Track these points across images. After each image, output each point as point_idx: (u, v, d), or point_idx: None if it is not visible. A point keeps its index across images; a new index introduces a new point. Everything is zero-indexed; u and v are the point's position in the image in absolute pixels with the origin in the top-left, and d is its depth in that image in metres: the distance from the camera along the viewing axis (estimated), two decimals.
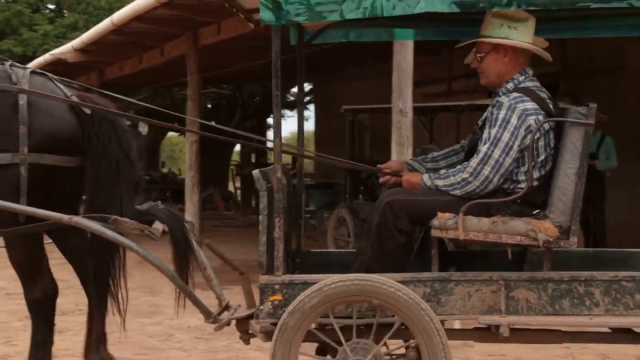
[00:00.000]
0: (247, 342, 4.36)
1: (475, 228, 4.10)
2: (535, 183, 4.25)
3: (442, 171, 4.39)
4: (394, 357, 4.21)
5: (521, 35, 4.31)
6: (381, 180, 4.63)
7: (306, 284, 4.04)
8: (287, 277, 4.13)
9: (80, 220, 4.49)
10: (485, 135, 4.26)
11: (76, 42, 13.30)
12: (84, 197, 4.97)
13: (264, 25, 4.19)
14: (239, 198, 21.73)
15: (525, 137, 4.18)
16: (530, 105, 4.24)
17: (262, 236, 4.13)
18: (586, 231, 10.56)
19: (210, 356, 6.27)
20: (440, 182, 4.28)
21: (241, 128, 23.01)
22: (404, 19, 4.56)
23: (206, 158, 13.31)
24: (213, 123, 21.98)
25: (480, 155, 4.22)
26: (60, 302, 8.42)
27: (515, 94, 4.27)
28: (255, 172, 4.20)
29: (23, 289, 4.91)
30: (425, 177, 4.36)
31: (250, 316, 4.27)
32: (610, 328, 4.24)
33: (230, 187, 22.69)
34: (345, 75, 18.60)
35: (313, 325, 4.07)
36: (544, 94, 4.34)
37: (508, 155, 4.19)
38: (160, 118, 21.91)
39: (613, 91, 12.12)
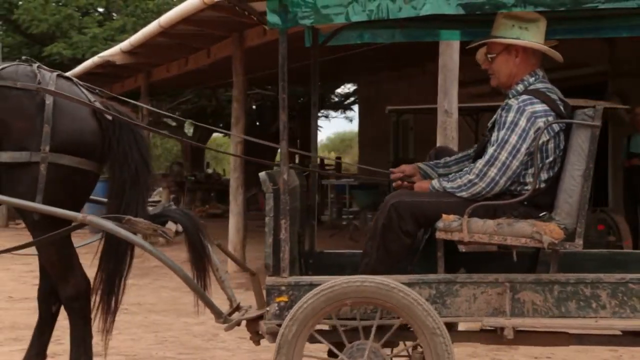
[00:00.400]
0: (257, 342, 4.39)
1: (480, 230, 4.10)
2: (543, 185, 4.25)
3: (451, 175, 4.40)
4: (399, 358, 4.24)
5: (532, 36, 4.31)
6: (394, 184, 4.64)
7: (312, 286, 4.06)
8: (294, 279, 4.16)
9: (93, 219, 4.57)
10: (493, 137, 4.25)
11: (124, 44, 13.44)
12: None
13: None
14: None
15: (534, 139, 4.16)
16: (540, 107, 4.22)
17: (268, 238, 4.16)
18: (635, 232, 10.45)
19: (254, 356, 6.28)
20: (447, 184, 4.29)
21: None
22: (420, 20, 4.59)
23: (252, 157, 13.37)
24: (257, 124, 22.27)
25: (487, 157, 4.22)
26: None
27: (524, 96, 4.26)
28: (262, 174, 4.25)
29: (57, 287, 4.97)
30: (435, 181, 4.38)
31: (261, 317, 4.30)
32: (620, 331, 4.23)
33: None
34: (389, 75, 18.58)
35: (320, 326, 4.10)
36: (554, 95, 4.32)
37: (515, 158, 4.18)
38: (205, 120, 22.11)
39: None
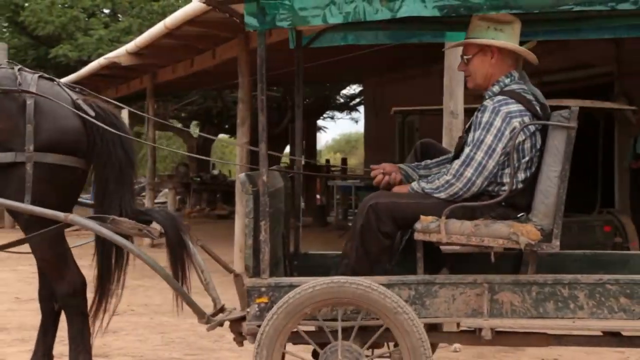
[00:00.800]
0: (240, 343, 4.40)
1: (458, 231, 4.11)
2: (520, 185, 4.26)
3: (430, 176, 4.42)
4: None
5: (507, 38, 4.32)
6: (375, 181, 4.64)
7: (292, 287, 4.08)
8: (274, 280, 4.17)
9: (76, 218, 4.59)
10: (469, 138, 4.27)
11: (130, 45, 13.45)
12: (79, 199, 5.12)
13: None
14: None
15: (510, 139, 4.18)
16: (515, 107, 4.24)
17: (248, 239, 4.18)
18: None
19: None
20: (426, 186, 4.31)
21: (291, 130, 23.17)
22: (402, 21, 4.60)
23: (256, 160, 13.40)
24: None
25: (463, 158, 4.24)
26: (113, 302, 8.62)
27: (499, 97, 4.29)
28: (242, 176, 4.27)
29: (53, 285, 5.00)
30: (414, 184, 4.40)
31: (243, 318, 4.29)
32: (601, 332, 4.24)
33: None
34: (395, 76, 18.58)
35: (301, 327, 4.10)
36: (530, 96, 4.33)
37: (491, 158, 4.20)
38: (210, 121, 22.14)
39: None
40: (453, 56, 7.17)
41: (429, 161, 4.74)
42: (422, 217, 4.15)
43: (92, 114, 4.90)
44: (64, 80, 17.30)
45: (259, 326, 4.08)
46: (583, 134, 12.26)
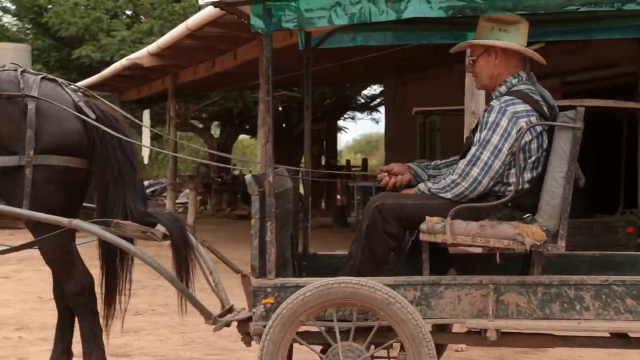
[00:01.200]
0: (248, 344, 4.41)
1: (463, 232, 4.11)
2: (527, 186, 4.25)
3: (437, 177, 4.43)
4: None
5: (511, 38, 4.32)
6: (382, 183, 4.65)
7: (298, 287, 4.09)
8: (280, 281, 4.19)
9: (80, 223, 4.62)
10: (476, 138, 4.28)
11: (152, 46, 13.52)
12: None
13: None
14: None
15: (516, 139, 4.17)
16: (522, 107, 4.24)
17: (254, 240, 4.20)
18: None
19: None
20: (433, 186, 4.32)
21: (311, 130, 23.21)
22: (411, 22, 4.62)
23: (277, 161, 13.43)
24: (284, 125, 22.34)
25: (469, 157, 4.24)
26: (134, 302, 8.61)
27: (506, 97, 4.28)
28: (248, 177, 4.29)
29: (62, 283, 5.04)
30: (421, 185, 4.41)
31: (250, 318, 4.30)
32: (609, 333, 4.22)
33: (300, 189, 22.81)
34: (415, 76, 18.56)
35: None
36: (537, 96, 4.33)
37: (497, 158, 4.20)
38: (231, 122, 22.12)
39: None
40: None
41: (438, 161, 4.74)
42: (427, 218, 4.16)
43: (93, 116, 4.91)
44: (86, 81, 17.43)
45: (265, 326, 4.10)
46: (606, 134, 12.24)
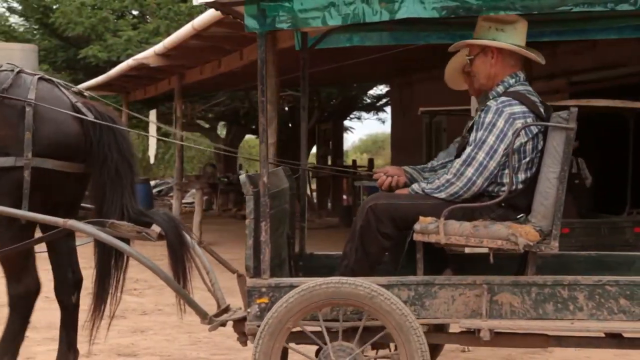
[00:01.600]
0: (244, 343, 4.42)
1: (457, 232, 4.11)
2: (520, 186, 4.26)
3: (431, 177, 4.43)
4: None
5: (508, 37, 4.33)
6: (377, 184, 4.66)
7: (292, 287, 4.10)
8: (274, 280, 4.19)
9: (75, 223, 4.62)
10: (471, 138, 4.28)
11: (158, 47, 13.53)
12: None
13: None
14: (315, 200, 21.90)
15: (512, 140, 4.17)
16: (518, 108, 4.24)
17: (248, 239, 4.20)
18: None
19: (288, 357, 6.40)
20: (427, 186, 4.32)
21: (318, 130, 23.19)
22: (407, 22, 4.63)
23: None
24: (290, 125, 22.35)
25: (464, 157, 4.25)
26: (141, 302, 8.63)
27: (503, 98, 4.28)
28: (242, 177, 4.29)
29: (7, 283, 5.03)
30: (415, 185, 4.41)
31: (246, 318, 4.29)
32: (604, 333, 4.22)
33: (306, 189, 22.87)
34: (422, 76, 18.54)
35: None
36: (534, 98, 4.33)
37: (492, 159, 4.20)
38: (238, 122, 22.09)
39: None
40: None
41: (435, 162, 4.74)
42: (421, 218, 4.16)
43: (91, 117, 4.91)
44: (93, 81, 17.42)
45: (259, 326, 4.10)
46: (613, 134, 12.16)
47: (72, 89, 5.18)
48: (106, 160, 4.87)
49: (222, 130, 27.70)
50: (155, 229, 4.72)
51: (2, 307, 5.20)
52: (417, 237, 4.16)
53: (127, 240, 4.78)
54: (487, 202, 4.21)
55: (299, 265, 4.97)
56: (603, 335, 4.22)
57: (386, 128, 27.61)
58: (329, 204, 20.60)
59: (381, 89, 24.78)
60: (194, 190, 18.62)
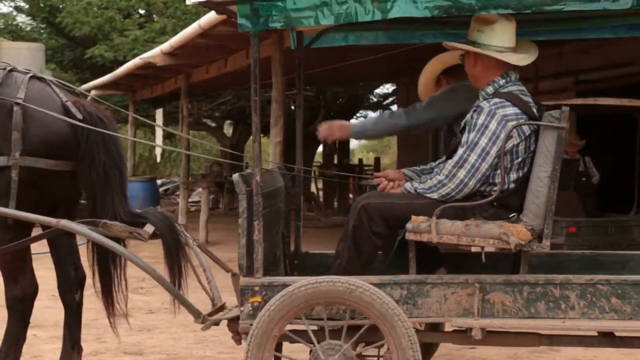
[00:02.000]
0: (238, 342, 4.42)
1: (449, 231, 4.12)
2: (512, 185, 4.26)
3: (423, 177, 4.44)
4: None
5: (484, 39, 4.33)
6: (379, 188, 4.61)
7: (285, 286, 4.10)
8: (267, 279, 4.20)
9: (67, 223, 4.63)
10: (464, 139, 4.28)
11: (165, 46, 13.52)
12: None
13: None
14: (321, 199, 21.90)
15: (504, 142, 4.17)
16: (511, 110, 4.23)
17: (241, 238, 4.21)
18: None
19: (294, 355, 6.40)
20: (419, 186, 4.33)
21: None
22: (403, 22, 4.63)
23: (289, 160, 13.43)
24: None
25: (456, 159, 4.25)
26: (148, 301, 8.63)
27: (496, 99, 4.28)
28: (235, 176, 4.31)
29: (4, 285, 5.06)
30: (407, 184, 4.42)
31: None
32: (596, 332, 4.23)
33: (312, 188, 22.89)
34: None
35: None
36: (527, 98, 4.32)
37: (485, 161, 4.20)
38: (244, 120, 22.06)
39: None
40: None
41: (433, 164, 4.75)
42: (413, 217, 4.17)
43: (80, 117, 4.89)
44: (99, 80, 17.40)
45: (252, 325, 4.11)
46: (620, 133, 12.09)
47: (68, 87, 5.18)
48: (94, 162, 4.85)
49: (228, 129, 27.70)
50: (148, 229, 4.73)
51: (2, 307, 5.25)
52: (409, 236, 4.17)
53: (119, 240, 4.78)
54: (479, 201, 4.22)
55: (295, 264, 4.98)
56: (595, 334, 4.22)
57: None
58: (336, 203, 20.59)
59: (387, 88, 24.77)
60: (200, 189, 18.65)
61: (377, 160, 23.41)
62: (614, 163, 12.66)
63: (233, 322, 4.42)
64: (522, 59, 4.36)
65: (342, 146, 23.53)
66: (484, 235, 4.10)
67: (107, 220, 4.66)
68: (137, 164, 21.87)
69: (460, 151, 4.26)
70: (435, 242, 4.16)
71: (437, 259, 4.64)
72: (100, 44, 19.34)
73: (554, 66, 13.08)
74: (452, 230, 4.12)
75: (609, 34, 4.77)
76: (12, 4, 23.55)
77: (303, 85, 5.27)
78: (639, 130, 9.86)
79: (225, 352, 6.50)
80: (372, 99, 25.52)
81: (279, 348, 4.41)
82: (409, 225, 4.17)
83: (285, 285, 4.12)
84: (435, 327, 4.70)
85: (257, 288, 4.19)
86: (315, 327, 4.18)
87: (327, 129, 4.99)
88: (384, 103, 25.58)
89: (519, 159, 4.26)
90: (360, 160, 25.26)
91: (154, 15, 20.89)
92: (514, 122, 4.21)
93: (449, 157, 4.40)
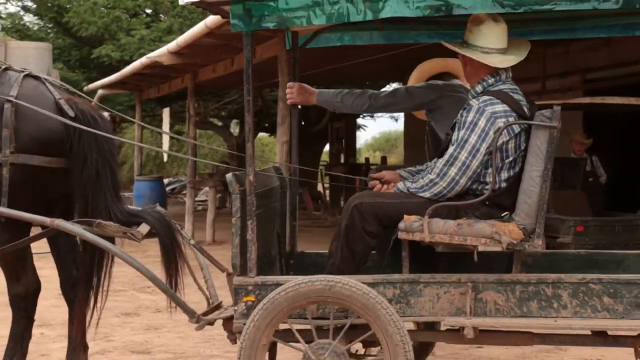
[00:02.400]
0: (233, 341, 4.42)
1: (441, 230, 4.13)
2: (504, 185, 4.27)
3: (416, 176, 4.45)
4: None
5: (474, 39, 4.34)
6: (375, 190, 4.64)
7: (279, 285, 4.12)
8: (260, 279, 4.22)
9: (61, 223, 4.65)
10: (454, 137, 4.29)
11: (171, 45, 13.54)
12: None
13: None
14: (328, 198, 21.91)
15: (494, 139, 4.18)
16: (500, 107, 4.24)
17: (235, 238, 4.23)
18: None
19: (300, 355, 6.41)
20: (411, 185, 4.34)
21: (331, 128, 23.15)
22: (397, 21, 4.65)
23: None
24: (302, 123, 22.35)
25: (447, 157, 4.26)
26: (154, 300, 8.65)
27: (485, 97, 4.29)
28: (229, 176, 4.32)
29: (7, 283, 5.10)
30: (400, 184, 4.43)
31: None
32: (590, 331, 4.23)
33: (319, 187, 22.91)
34: None
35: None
36: (519, 96, 4.33)
37: (475, 158, 4.21)
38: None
39: None
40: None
41: (429, 163, 4.75)
42: (405, 216, 4.18)
43: (72, 114, 4.89)
44: (106, 80, 17.42)
45: (245, 324, 4.11)
46: (628, 132, 12.07)
47: (63, 86, 5.19)
48: (86, 161, 4.86)
49: (235, 128, 27.70)
50: (143, 229, 4.74)
51: (6, 306, 5.28)
52: (401, 235, 4.18)
53: (112, 240, 4.80)
54: (472, 200, 4.23)
55: (290, 263, 4.99)
56: (588, 332, 4.23)
57: (399, 126, 27.57)
58: (342, 202, 20.60)
59: (393, 87, 24.75)
60: (207, 188, 18.67)
61: (383, 159, 23.47)
62: (622, 162, 12.63)
63: (228, 322, 4.43)
64: (506, 61, 4.35)
65: (348, 145, 23.53)
66: (476, 234, 4.10)
67: (101, 220, 4.67)
68: (144, 163, 21.90)
69: (450, 149, 4.27)
70: (428, 242, 4.17)
71: (431, 258, 4.64)
72: (107, 44, 19.40)
73: (561, 65, 13.05)
74: (445, 230, 4.13)
75: (603, 33, 4.79)
76: (20, 3, 23.69)
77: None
78: None
79: (232, 351, 6.47)
80: None
81: (273, 349, 4.43)
82: (401, 225, 4.18)
83: (278, 285, 4.13)
84: (430, 326, 4.71)
85: (250, 287, 4.21)
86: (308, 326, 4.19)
87: (293, 91, 4.94)
88: None
89: (510, 158, 4.27)
90: (367, 159, 25.22)
91: (161, 15, 20.94)
92: (503, 119, 4.21)
93: (440, 156, 4.41)
